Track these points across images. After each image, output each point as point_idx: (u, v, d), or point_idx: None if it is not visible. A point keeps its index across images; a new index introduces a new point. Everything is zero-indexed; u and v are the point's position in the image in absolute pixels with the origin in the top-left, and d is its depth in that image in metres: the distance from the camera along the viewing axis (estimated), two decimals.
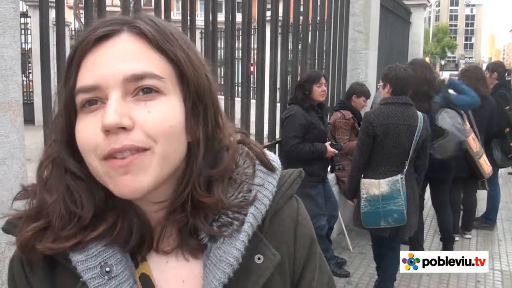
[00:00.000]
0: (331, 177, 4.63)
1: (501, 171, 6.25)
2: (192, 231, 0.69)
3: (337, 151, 4.07)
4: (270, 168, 0.75)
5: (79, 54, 0.64)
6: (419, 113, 3.37)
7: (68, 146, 0.67)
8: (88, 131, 0.63)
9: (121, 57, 0.63)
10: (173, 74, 0.66)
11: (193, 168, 0.67)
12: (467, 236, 5.20)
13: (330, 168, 4.37)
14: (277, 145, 4.22)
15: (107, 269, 0.64)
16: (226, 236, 0.68)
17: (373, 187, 3.31)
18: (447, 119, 4.05)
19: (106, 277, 0.64)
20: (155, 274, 0.71)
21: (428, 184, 4.67)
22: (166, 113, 0.64)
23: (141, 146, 0.61)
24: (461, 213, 5.21)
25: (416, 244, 4.30)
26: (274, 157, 0.78)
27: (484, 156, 4.60)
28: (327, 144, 4.00)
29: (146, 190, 0.63)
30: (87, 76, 0.63)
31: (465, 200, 5.26)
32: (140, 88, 0.63)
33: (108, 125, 0.60)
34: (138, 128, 0.61)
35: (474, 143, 4.47)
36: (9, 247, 1.62)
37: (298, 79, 4.37)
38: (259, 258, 0.70)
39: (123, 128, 0.60)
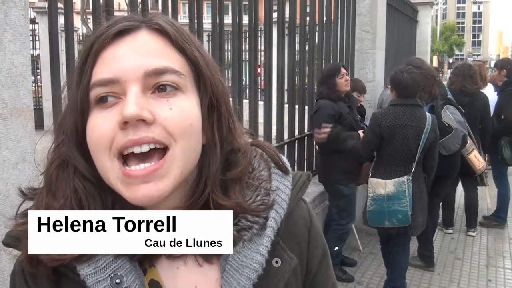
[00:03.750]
0: None
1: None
2: None
3: None
4: (284, 170, 0.74)
5: (96, 48, 0.62)
6: (428, 114, 3.35)
7: (78, 147, 0.65)
8: (103, 126, 0.60)
9: (141, 52, 0.62)
10: (191, 74, 0.66)
11: (210, 171, 0.66)
12: (471, 233, 5.18)
13: None
14: (285, 146, 4.22)
15: (117, 280, 0.62)
16: (246, 240, 0.66)
17: (380, 186, 3.32)
18: (450, 115, 4.05)
19: None
20: (165, 280, 0.68)
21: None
22: (187, 111, 0.63)
23: (161, 140, 0.60)
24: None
25: (427, 241, 4.28)
26: (285, 160, 0.77)
27: (475, 152, 4.53)
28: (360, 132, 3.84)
29: (166, 195, 0.61)
30: (105, 69, 0.61)
31: (466, 197, 5.27)
32: (160, 83, 0.61)
33: (128, 115, 0.57)
34: (158, 124, 0.60)
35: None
36: (10, 264, 1.57)
37: (320, 76, 4.35)
38: (276, 262, 0.69)
39: (143, 121, 0.59)
